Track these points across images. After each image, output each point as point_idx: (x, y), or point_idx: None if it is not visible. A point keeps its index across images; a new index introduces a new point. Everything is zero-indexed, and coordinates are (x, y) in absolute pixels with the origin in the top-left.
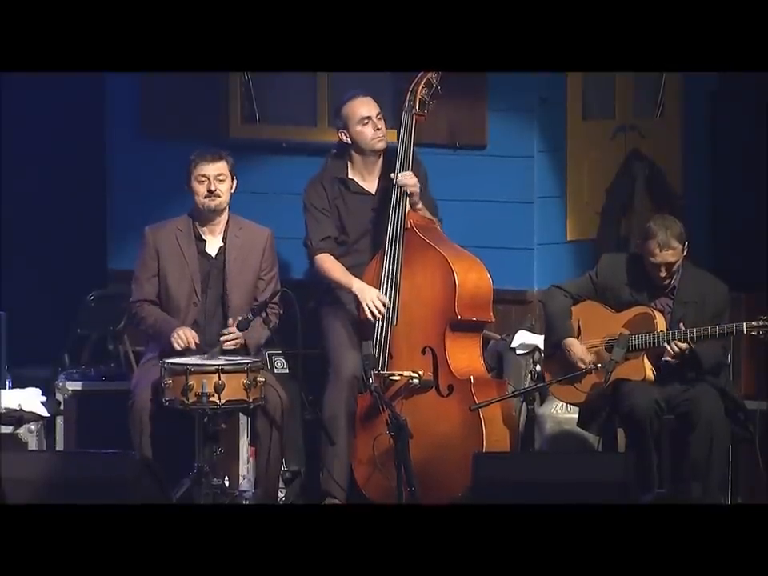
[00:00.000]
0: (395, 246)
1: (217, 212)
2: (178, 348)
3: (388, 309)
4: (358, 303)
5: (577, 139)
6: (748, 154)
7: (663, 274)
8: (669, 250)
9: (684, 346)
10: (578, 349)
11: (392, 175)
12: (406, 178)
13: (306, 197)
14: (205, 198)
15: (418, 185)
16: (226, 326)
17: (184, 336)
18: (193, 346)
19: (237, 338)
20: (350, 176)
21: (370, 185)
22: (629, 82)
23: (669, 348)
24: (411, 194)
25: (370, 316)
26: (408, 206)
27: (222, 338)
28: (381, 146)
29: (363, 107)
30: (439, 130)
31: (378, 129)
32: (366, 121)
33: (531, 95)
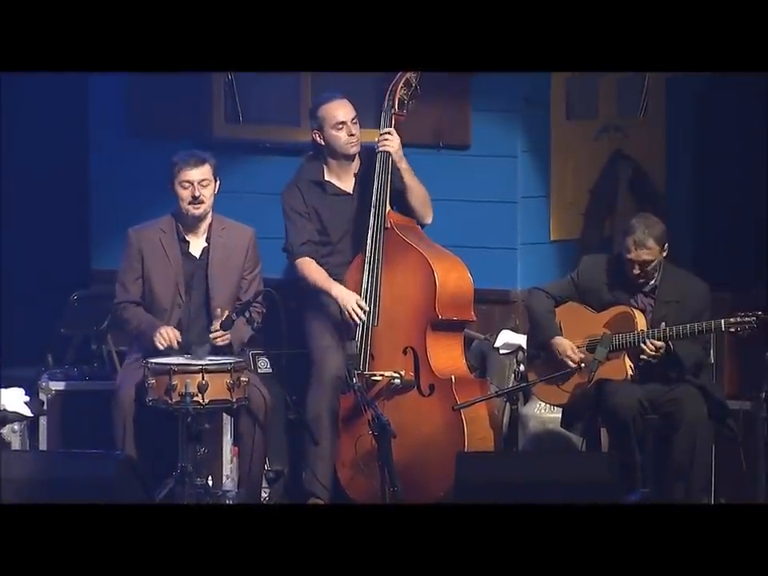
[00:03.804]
0: (375, 246)
1: (201, 217)
2: (161, 347)
3: (369, 309)
4: (340, 306)
5: (561, 139)
6: (731, 153)
7: (637, 271)
8: (643, 249)
9: (660, 344)
10: (566, 346)
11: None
12: (385, 141)
13: (284, 201)
14: (189, 204)
15: (398, 141)
16: (209, 326)
17: (166, 335)
18: (175, 345)
19: (225, 335)
20: (326, 178)
21: (347, 185)
22: (612, 82)
23: (645, 347)
24: (391, 153)
25: (350, 321)
26: (388, 206)
27: (211, 335)
28: (354, 150)
29: (339, 111)
30: (423, 129)
31: (352, 134)
32: (340, 126)
33: (515, 95)
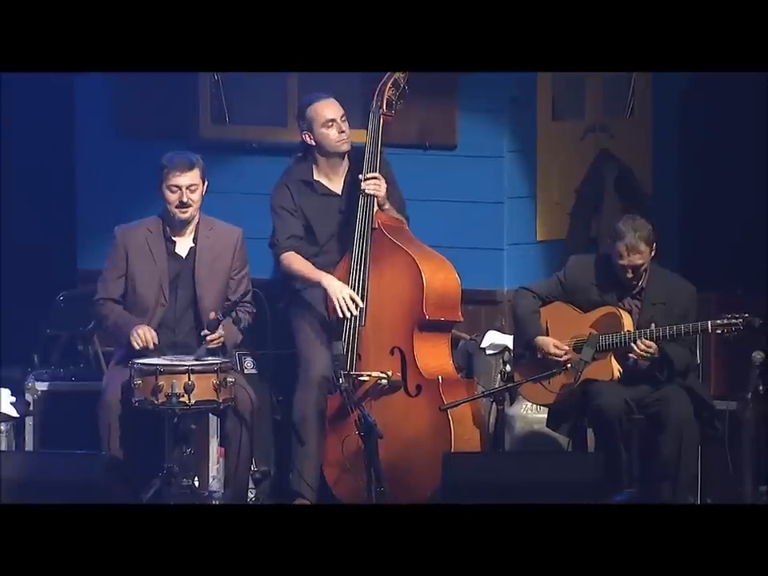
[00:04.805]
0: (363, 246)
1: (188, 221)
2: (137, 347)
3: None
4: (327, 298)
5: (547, 139)
6: (718, 153)
7: (630, 275)
8: (636, 253)
9: (651, 344)
10: (548, 344)
11: (360, 176)
12: (371, 185)
13: (272, 199)
14: (176, 208)
15: (384, 186)
16: (196, 326)
17: (143, 335)
18: (151, 346)
19: (220, 337)
20: (315, 178)
21: (336, 185)
22: (599, 83)
23: (636, 347)
24: (377, 197)
25: (340, 313)
26: (375, 207)
27: (207, 338)
28: (345, 148)
29: (327, 109)
30: (409, 130)
31: (343, 131)
32: (330, 123)
33: (501, 95)
